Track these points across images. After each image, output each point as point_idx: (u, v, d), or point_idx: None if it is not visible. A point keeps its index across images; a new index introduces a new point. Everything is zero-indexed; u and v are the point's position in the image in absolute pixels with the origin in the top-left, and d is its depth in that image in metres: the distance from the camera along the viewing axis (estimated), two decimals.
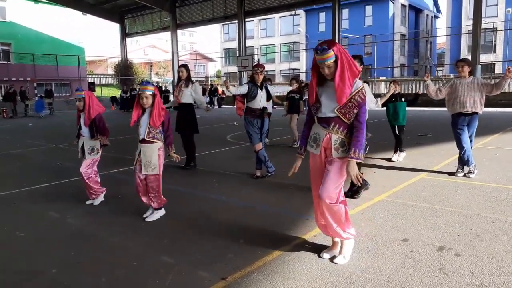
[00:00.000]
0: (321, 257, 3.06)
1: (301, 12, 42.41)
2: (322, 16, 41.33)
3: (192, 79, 6.55)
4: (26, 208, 4.67)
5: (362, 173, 4.67)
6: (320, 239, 3.40)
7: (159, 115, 3.96)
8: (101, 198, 4.74)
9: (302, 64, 43.90)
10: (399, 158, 6.80)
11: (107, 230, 3.84)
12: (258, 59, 26.52)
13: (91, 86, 25.89)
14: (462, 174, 5.61)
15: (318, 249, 3.20)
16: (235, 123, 13.27)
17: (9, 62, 28.44)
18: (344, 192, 4.43)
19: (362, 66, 4.51)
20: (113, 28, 36.15)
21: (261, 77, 5.60)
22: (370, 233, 3.54)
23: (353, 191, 4.68)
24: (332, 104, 2.81)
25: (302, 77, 36.03)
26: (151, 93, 3.93)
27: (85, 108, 4.48)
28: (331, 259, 3.02)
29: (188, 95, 6.33)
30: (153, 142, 3.99)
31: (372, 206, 4.34)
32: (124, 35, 33.14)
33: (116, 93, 31.69)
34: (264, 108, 5.66)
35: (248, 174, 5.97)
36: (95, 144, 4.60)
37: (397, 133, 6.88)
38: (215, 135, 11.05)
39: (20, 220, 4.23)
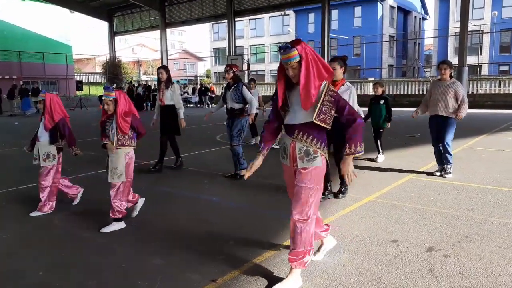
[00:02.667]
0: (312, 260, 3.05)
1: (290, 12, 42.52)
2: (311, 16, 41.51)
3: (172, 80, 6.48)
4: (12, 209, 4.58)
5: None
6: None
7: (123, 123, 3.77)
8: (78, 199, 4.65)
9: None
10: (378, 160, 6.86)
11: (95, 232, 3.78)
12: (248, 59, 26.46)
13: (79, 84, 25.50)
14: (439, 173, 5.72)
15: None
16: (224, 123, 13.22)
17: None
18: (324, 194, 4.43)
19: (344, 68, 4.47)
20: (102, 26, 35.75)
21: (228, 76, 5.60)
22: (359, 234, 3.55)
23: (338, 191, 4.70)
24: (298, 111, 2.58)
25: None
26: (111, 99, 3.74)
27: (46, 111, 4.21)
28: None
29: (169, 97, 6.26)
30: (120, 148, 3.83)
31: (362, 207, 4.36)
32: (113, 34, 32.81)
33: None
34: (232, 109, 5.63)
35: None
36: (50, 150, 4.30)
37: (373, 135, 6.96)
38: (204, 135, 11.01)
39: (5, 222, 4.14)
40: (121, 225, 3.88)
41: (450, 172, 5.64)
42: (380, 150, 6.97)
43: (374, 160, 6.87)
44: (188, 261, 3.10)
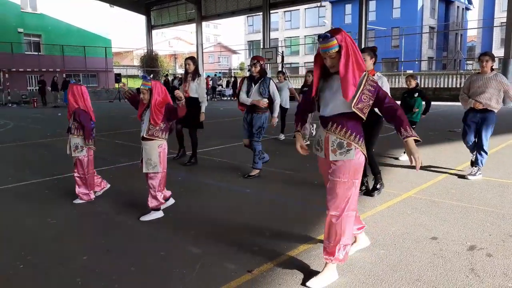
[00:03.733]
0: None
1: (326, 3, 41.79)
2: (348, 7, 40.63)
3: (199, 72, 6.32)
4: (57, 195, 4.82)
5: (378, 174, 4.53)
6: None
7: (157, 112, 3.84)
8: (99, 192, 4.67)
9: None
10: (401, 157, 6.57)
11: (136, 220, 3.92)
12: (283, 51, 26.30)
13: (118, 77, 26.30)
14: (469, 173, 5.33)
15: None
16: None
17: (39, 53, 29.26)
18: (361, 189, 4.31)
19: (374, 59, 4.32)
20: (139, 20, 36.57)
21: (255, 70, 5.30)
22: (398, 230, 3.48)
23: (372, 188, 4.59)
24: (334, 101, 2.56)
25: None
26: (147, 88, 3.83)
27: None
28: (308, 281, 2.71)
29: (194, 89, 6.13)
30: (153, 139, 3.89)
31: (400, 203, 4.26)
32: (150, 27, 33.53)
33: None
34: (253, 103, 5.35)
35: (272, 168, 5.96)
36: (78, 141, 4.43)
37: None
38: (235, 128, 11.06)
39: (51, 207, 4.37)
40: (159, 214, 3.99)
41: (475, 175, 5.21)
42: None
43: (396, 158, 6.62)
44: (224, 251, 3.16)
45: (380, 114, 2.72)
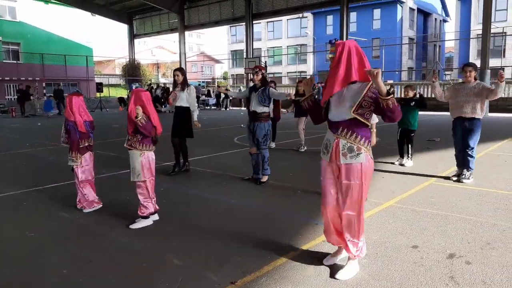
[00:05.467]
0: (323, 264, 3.05)
1: (308, 14, 42.38)
2: (329, 18, 41.28)
3: (188, 82, 6.42)
4: (36, 207, 4.71)
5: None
6: (329, 245, 3.39)
7: (130, 122, 3.90)
8: (88, 210, 4.50)
9: (309, 67, 43.88)
10: (406, 163, 6.76)
11: (117, 231, 3.86)
12: (266, 61, 26.51)
13: (99, 86, 25.98)
14: (456, 178, 5.63)
15: (327, 255, 3.19)
16: (242, 125, 13.28)
17: (18, 62, 28.69)
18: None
19: None
20: (121, 29, 36.37)
21: (257, 78, 5.54)
22: (379, 239, 3.53)
23: None
24: (339, 107, 2.77)
25: None
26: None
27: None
28: (332, 269, 2.97)
29: (184, 99, 6.24)
30: (132, 149, 3.96)
31: (381, 212, 4.32)
32: (132, 36, 33.34)
33: (124, 93, 31.87)
34: (254, 112, 5.56)
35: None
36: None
37: (398, 138, 6.87)
38: (222, 137, 11.08)
39: (30, 220, 4.27)
40: (148, 222, 3.99)
41: (469, 178, 5.53)
42: (410, 155, 6.84)
43: (401, 164, 6.75)
44: (208, 262, 3.14)
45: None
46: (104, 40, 50.07)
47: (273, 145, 8.94)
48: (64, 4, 28.69)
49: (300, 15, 40.16)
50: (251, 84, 5.89)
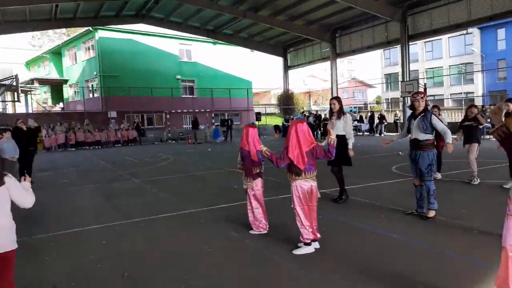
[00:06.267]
0: None
1: (474, 30, 38.10)
2: (501, 32, 36.33)
3: (344, 110, 6.41)
4: (212, 225, 5.33)
5: None
6: None
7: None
8: (255, 232, 4.85)
9: (477, 87, 39.03)
10: None
11: (281, 255, 4.07)
12: (425, 83, 24.73)
13: (257, 116, 28.22)
14: None
15: None
16: (400, 152, 12.54)
17: (193, 96, 33.49)
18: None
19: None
20: (277, 61, 38.93)
21: (422, 104, 5.24)
22: None
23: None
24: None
25: (478, 101, 31.90)
26: None
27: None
28: None
29: (341, 127, 6.22)
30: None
31: None
32: (287, 68, 35.37)
33: (279, 121, 33.83)
34: (416, 140, 5.21)
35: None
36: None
37: None
38: (378, 166, 10.65)
39: (207, 236, 4.85)
40: (309, 249, 4.10)
41: None
42: None
43: None
44: None
45: None
46: (261, 73, 54.41)
47: (438, 175, 8.10)
48: (229, 43, 32.45)
49: (464, 31, 36.40)
50: (408, 110, 5.59)
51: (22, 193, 2.69)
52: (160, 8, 25.76)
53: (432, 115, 5.26)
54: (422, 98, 5.28)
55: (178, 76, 32.65)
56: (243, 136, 4.86)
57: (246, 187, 4.90)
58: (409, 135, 5.48)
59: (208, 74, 34.01)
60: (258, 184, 4.87)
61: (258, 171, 4.85)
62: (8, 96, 27.12)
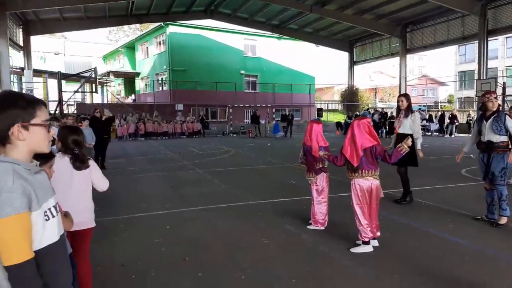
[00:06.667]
0: None
1: None
2: None
3: (412, 108, 6.16)
4: (269, 218, 5.42)
5: None
6: None
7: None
8: (312, 227, 4.86)
9: None
10: None
11: (339, 252, 4.05)
12: (504, 83, 22.81)
13: (319, 112, 27.89)
14: None
15: None
16: (471, 155, 11.72)
17: (255, 91, 33.88)
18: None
19: None
20: (342, 56, 38.09)
21: (495, 105, 4.93)
22: None
23: None
24: None
25: None
26: None
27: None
28: None
29: (407, 126, 6.01)
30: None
31: None
32: (352, 63, 34.42)
33: (341, 118, 33.13)
34: (489, 142, 4.87)
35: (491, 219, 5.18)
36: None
37: None
38: (447, 167, 10.08)
39: (264, 228, 4.94)
40: (368, 248, 4.03)
41: None
42: None
43: None
44: None
45: None
46: (325, 69, 53.56)
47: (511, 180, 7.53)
48: (294, 38, 32.30)
49: None
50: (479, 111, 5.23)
51: (101, 177, 2.95)
52: (228, 4, 26.30)
53: (506, 115, 4.93)
54: (495, 98, 4.99)
55: (242, 71, 33.22)
56: (306, 131, 4.88)
57: (309, 182, 4.93)
58: (480, 137, 5.14)
59: (271, 69, 34.19)
60: (321, 179, 4.86)
61: (320, 166, 4.84)
62: (87, 87, 29.38)
